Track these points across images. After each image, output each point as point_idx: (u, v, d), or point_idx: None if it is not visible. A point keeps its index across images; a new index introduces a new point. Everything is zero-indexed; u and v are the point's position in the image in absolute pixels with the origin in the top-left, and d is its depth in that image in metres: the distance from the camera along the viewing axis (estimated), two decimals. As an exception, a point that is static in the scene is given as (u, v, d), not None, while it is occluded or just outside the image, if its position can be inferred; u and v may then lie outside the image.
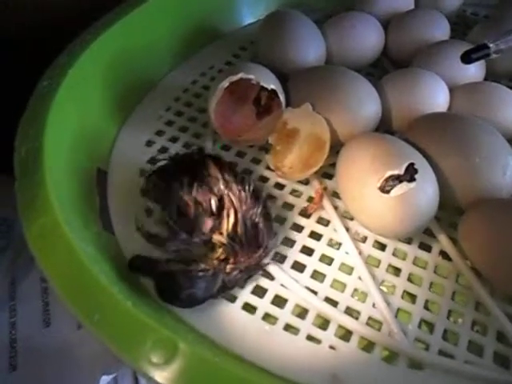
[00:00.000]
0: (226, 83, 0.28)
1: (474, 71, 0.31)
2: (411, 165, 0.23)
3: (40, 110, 0.25)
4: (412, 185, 0.23)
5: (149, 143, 0.31)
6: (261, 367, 0.21)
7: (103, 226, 0.25)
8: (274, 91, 0.28)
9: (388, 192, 0.23)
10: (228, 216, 0.22)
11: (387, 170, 0.23)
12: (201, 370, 0.17)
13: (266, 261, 0.24)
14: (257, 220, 0.23)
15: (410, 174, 0.23)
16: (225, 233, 0.22)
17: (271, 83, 0.28)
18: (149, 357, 0.16)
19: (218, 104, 0.29)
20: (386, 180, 0.23)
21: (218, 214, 0.22)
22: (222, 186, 0.23)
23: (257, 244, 0.22)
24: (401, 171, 0.23)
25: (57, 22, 0.36)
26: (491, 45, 0.26)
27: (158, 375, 0.16)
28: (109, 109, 0.32)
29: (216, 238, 0.22)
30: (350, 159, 0.25)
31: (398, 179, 0.23)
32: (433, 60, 0.31)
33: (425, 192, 0.23)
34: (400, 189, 0.23)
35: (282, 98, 0.28)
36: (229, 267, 0.21)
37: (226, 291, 0.22)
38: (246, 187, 0.23)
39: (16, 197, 0.22)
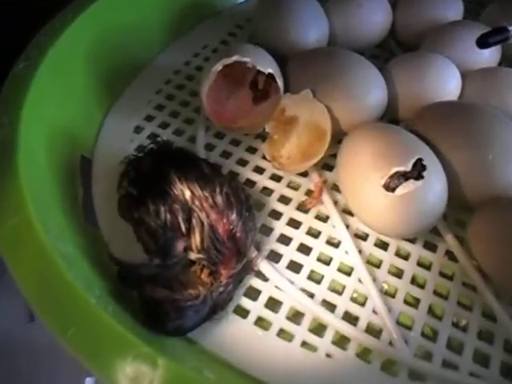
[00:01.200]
0: (219, 66, 0.26)
1: (489, 56, 0.29)
2: (419, 160, 0.21)
3: (15, 95, 0.23)
4: (419, 183, 0.21)
5: (137, 129, 0.29)
6: (251, 376, 0.20)
7: (86, 220, 0.24)
8: (271, 75, 0.26)
9: (393, 190, 0.21)
10: (194, 232, 0.20)
11: (393, 165, 0.21)
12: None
13: (253, 266, 0.22)
14: (231, 227, 0.21)
15: (418, 170, 0.21)
16: (195, 250, 0.20)
17: (269, 66, 0.26)
18: (128, 375, 0.15)
19: (210, 88, 0.26)
20: (392, 177, 0.21)
21: (189, 232, 0.21)
22: (188, 200, 0.21)
23: (237, 252, 0.21)
24: (407, 168, 0.21)
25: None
26: (511, 28, 0.23)
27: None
28: (94, 92, 0.29)
29: (192, 255, 0.20)
30: (352, 151, 0.23)
31: (405, 176, 0.21)
32: (444, 42, 0.29)
33: (433, 190, 0.21)
34: (406, 187, 0.21)
35: (279, 82, 0.26)
36: (221, 287, 0.20)
37: (218, 312, 0.20)
38: (218, 194, 0.21)
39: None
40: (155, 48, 0.34)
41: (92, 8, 0.29)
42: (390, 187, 0.21)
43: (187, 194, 0.21)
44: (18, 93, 0.23)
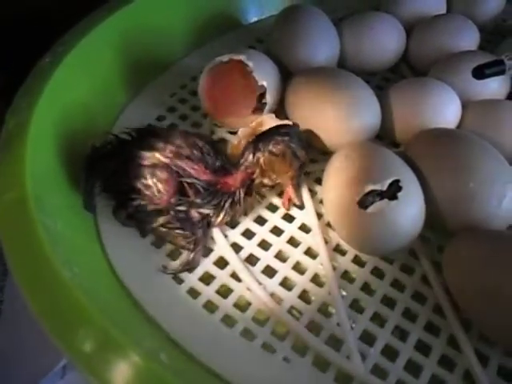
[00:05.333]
0: (217, 61, 0.28)
1: (496, 87, 0.29)
2: (396, 181, 0.22)
3: (36, 85, 0.26)
4: (393, 203, 0.21)
5: (148, 128, 0.31)
6: (207, 367, 0.21)
7: (85, 206, 0.26)
8: (263, 87, 0.28)
9: (367, 207, 0.22)
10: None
11: (369, 184, 0.22)
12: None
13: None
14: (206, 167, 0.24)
15: (393, 191, 0.22)
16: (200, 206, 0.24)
17: (269, 76, 0.28)
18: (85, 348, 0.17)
19: (209, 80, 0.29)
20: (367, 195, 0.22)
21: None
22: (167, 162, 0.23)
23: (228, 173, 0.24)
24: (383, 187, 0.22)
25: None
26: (507, 61, 0.23)
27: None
28: (112, 90, 0.32)
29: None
30: (335, 168, 0.24)
31: (379, 195, 0.22)
32: (450, 71, 0.29)
33: (406, 212, 0.22)
34: (378, 206, 0.21)
35: (269, 97, 0.28)
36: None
37: None
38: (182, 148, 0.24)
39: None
40: (177, 54, 0.36)
41: (120, 12, 0.31)
42: (364, 204, 0.22)
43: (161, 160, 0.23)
44: (40, 81, 0.26)
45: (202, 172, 0.24)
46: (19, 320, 0.30)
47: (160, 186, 0.23)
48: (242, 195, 0.24)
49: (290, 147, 0.24)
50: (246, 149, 0.24)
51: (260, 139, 0.24)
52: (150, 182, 0.23)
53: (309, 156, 0.25)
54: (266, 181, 0.25)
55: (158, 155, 0.23)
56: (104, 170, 0.25)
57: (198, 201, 0.24)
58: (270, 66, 0.30)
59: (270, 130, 0.24)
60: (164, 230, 0.24)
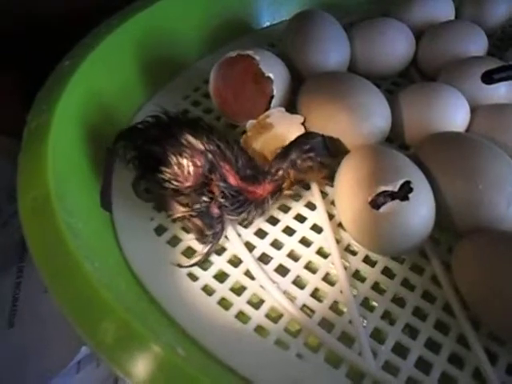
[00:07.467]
0: (229, 55, 0.29)
1: (505, 92, 0.29)
2: (407, 183, 0.22)
3: (56, 87, 0.27)
4: (404, 203, 0.22)
5: (162, 129, 0.32)
6: (222, 361, 0.21)
7: (102, 205, 0.26)
8: (270, 78, 0.29)
9: (378, 208, 0.22)
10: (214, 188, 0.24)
11: (381, 185, 0.22)
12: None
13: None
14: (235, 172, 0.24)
15: (404, 192, 0.22)
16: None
17: (280, 73, 0.29)
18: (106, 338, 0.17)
19: (218, 76, 0.30)
20: (379, 195, 0.22)
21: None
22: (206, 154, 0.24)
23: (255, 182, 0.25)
24: (395, 188, 0.22)
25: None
26: (517, 66, 0.24)
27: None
28: (129, 92, 0.32)
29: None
30: (347, 170, 0.25)
31: (391, 196, 0.22)
32: (459, 76, 0.30)
33: (417, 212, 0.22)
34: (391, 206, 0.22)
35: (274, 88, 0.29)
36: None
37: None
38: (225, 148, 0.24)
39: (18, 168, 0.23)
40: (191, 58, 0.37)
41: (136, 17, 0.32)
42: (375, 205, 0.22)
43: (201, 148, 0.24)
44: (60, 82, 0.27)
45: (231, 175, 0.24)
46: (35, 316, 0.30)
47: (191, 169, 0.23)
48: (270, 204, 0.26)
49: (317, 161, 0.25)
50: (275, 164, 0.25)
51: (287, 154, 0.25)
52: (184, 161, 0.23)
53: (338, 155, 0.26)
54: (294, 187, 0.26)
55: (200, 144, 0.24)
56: (143, 135, 0.25)
57: (226, 204, 0.24)
58: (278, 64, 0.30)
59: (295, 142, 0.26)
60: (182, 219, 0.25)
